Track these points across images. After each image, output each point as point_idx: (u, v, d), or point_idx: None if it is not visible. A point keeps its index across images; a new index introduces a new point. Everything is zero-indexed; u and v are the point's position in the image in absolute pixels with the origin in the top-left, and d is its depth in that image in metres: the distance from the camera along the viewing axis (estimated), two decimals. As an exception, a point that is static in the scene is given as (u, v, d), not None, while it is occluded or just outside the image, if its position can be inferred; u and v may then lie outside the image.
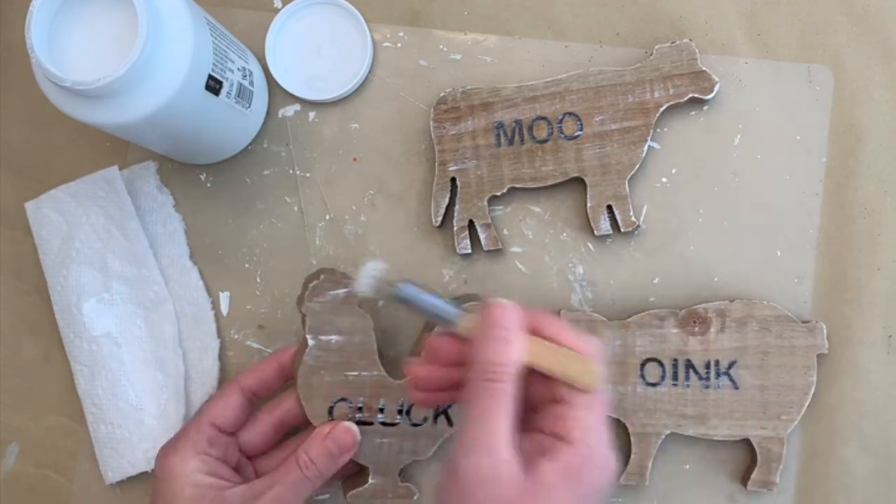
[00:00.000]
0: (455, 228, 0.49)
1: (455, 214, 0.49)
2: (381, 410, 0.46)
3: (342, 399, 0.45)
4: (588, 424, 0.34)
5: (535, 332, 0.36)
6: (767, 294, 0.48)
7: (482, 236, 0.49)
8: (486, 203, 0.48)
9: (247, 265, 0.51)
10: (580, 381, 0.35)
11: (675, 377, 0.46)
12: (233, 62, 0.45)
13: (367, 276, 0.37)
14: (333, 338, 0.45)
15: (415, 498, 0.47)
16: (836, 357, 0.48)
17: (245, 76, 0.47)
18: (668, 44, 0.48)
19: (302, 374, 0.45)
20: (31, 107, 0.52)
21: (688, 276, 0.49)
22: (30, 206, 0.50)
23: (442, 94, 0.48)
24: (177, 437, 0.44)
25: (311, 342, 0.45)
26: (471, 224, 0.49)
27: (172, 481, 0.42)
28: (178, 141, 0.46)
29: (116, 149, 0.51)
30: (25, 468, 0.51)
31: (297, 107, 0.51)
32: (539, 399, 0.36)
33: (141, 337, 0.49)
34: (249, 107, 0.48)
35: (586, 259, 0.49)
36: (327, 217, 0.51)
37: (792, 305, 0.48)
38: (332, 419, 0.45)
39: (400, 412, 0.46)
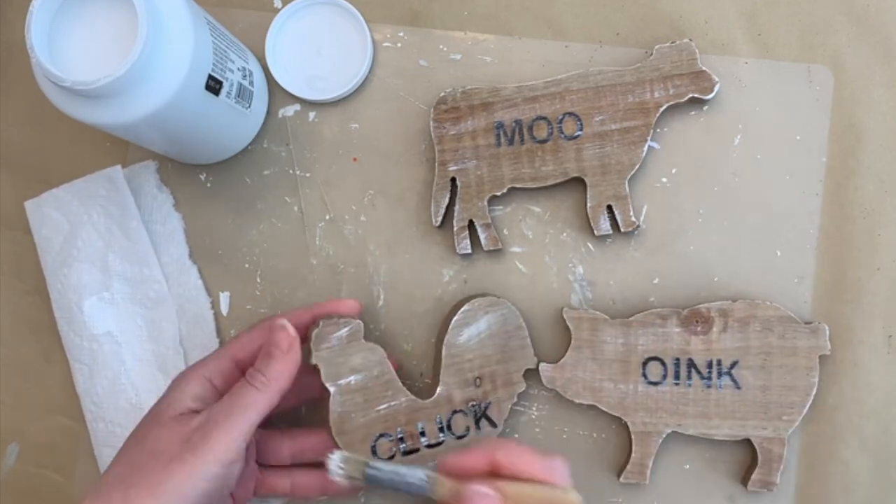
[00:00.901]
0: (455, 228, 0.49)
1: (455, 214, 0.49)
2: (423, 433, 0.45)
3: (381, 435, 0.45)
4: None
5: (500, 469, 0.36)
6: (767, 294, 0.48)
7: (482, 236, 0.49)
8: (486, 203, 0.48)
9: (247, 265, 0.51)
10: None
11: (676, 376, 0.46)
12: (233, 62, 0.45)
13: (335, 467, 0.38)
14: (352, 378, 0.44)
15: None
16: (837, 357, 0.48)
17: (245, 76, 0.47)
18: (668, 44, 0.48)
19: (335, 424, 0.44)
20: (31, 107, 0.52)
21: (688, 276, 0.49)
22: (29, 204, 0.50)
23: (442, 94, 0.48)
24: (199, 361, 0.44)
25: (332, 390, 0.44)
26: (471, 224, 0.49)
27: (168, 392, 0.42)
28: (178, 141, 0.46)
29: (116, 149, 0.51)
30: (25, 468, 0.51)
31: (297, 107, 0.51)
32: None
33: (141, 336, 0.49)
34: (249, 107, 0.48)
35: (586, 259, 0.49)
36: (327, 217, 0.51)
37: (792, 305, 0.48)
38: (377, 458, 0.44)
39: (441, 429, 0.45)
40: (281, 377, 0.41)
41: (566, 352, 0.47)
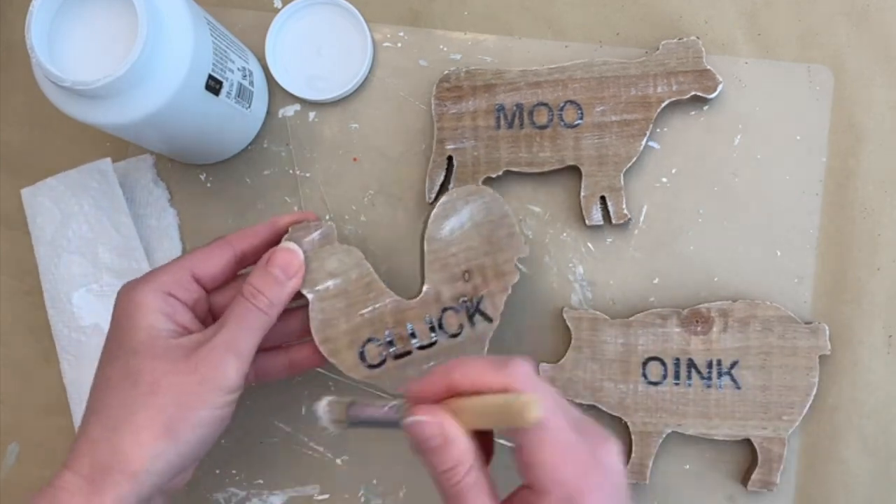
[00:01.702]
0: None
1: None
2: (413, 335, 0.43)
3: (368, 340, 0.43)
4: (552, 463, 0.32)
5: (459, 389, 0.34)
6: (767, 294, 0.48)
7: None
8: (480, 184, 0.48)
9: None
10: (521, 422, 0.31)
11: (676, 376, 0.46)
12: (233, 62, 0.45)
13: (322, 413, 0.37)
14: (330, 283, 0.42)
15: None
16: (837, 357, 0.48)
17: (245, 76, 0.47)
18: (675, 40, 0.48)
19: (317, 332, 0.42)
20: (31, 107, 0.52)
21: (688, 276, 0.49)
22: (26, 192, 0.50)
23: (445, 72, 0.48)
24: (146, 274, 0.40)
25: (310, 297, 0.42)
26: None
27: (126, 317, 0.38)
28: (178, 141, 0.46)
29: (116, 148, 0.51)
30: (25, 468, 0.51)
31: (297, 107, 0.51)
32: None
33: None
34: (249, 107, 0.48)
35: (586, 259, 0.49)
36: (327, 217, 0.51)
37: (792, 305, 0.48)
38: (367, 364, 0.42)
39: (432, 329, 0.43)
40: (284, 302, 0.40)
41: (566, 352, 0.47)
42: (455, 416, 0.34)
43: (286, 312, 0.41)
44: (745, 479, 0.47)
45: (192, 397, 0.36)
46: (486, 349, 0.44)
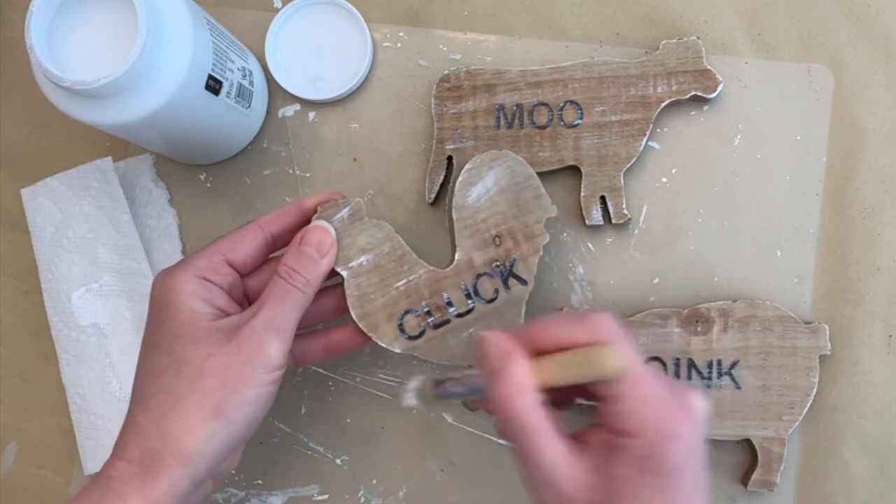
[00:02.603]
0: (447, 206, 0.49)
1: (449, 192, 0.49)
2: (450, 304, 0.43)
3: (406, 312, 0.43)
4: (641, 410, 0.33)
5: (535, 349, 0.35)
6: (767, 294, 0.48)
7: None
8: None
9: (247, 265, 0.51)
10: (605, 374, 0.33)
11: (676, 376, 0.46)
12: (233, 62, 0.45)
13: (409, 391, 0.38)
14: (363, 259, 0.42)
15: None
16: (837, 357, 0.48)
17: (245, 76, 0.47)
18: (675, 40, 0.48)
19: (353, 308, 0.42)
20: (31, 107, 0.52)
21: (688, 276, 0.49)
22: (26, 192, 0.50)
23: (446, 72, 0.48)
24: (180, 261, 0.41)
25: (344, 274, 0.42)
26: None
27: (165, 304, 0.38)
28: (178, 141, 0.46)
29: (116, 148, 0.51)
30: (24, 468, 0.51)
31: (297, 107, 0.51)
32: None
33: (128, 329, 0.49)
34: (249, 107, 0.48)
35: (586, 259, 0.49)
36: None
37: (792, 305, 0.48)
38: (407, 336, 0.43)
39: (468, 296, 0.44)
40: (320, 279, 0.41)
41: (566, 352, 0.47)
42: (537, 374, 0.34)
43: (320, 292, 0.42)
44: (745, 479, 0.47)
45: (238, 378, 0.37)
46: (523, 312, 0.44)
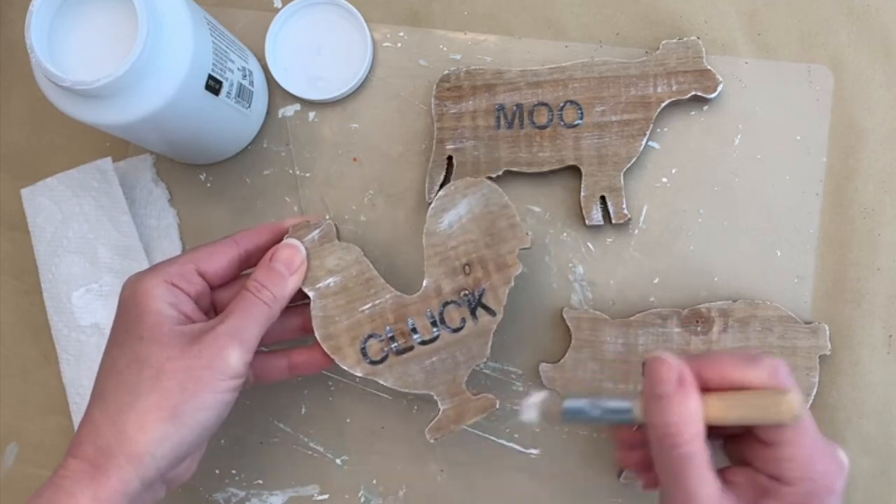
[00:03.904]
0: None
1: None
2: (415, 331, 0.43)
3: (370, 336, 0.43)
4: (804, 459, 0.33)
5: (703, 383, 0.34)
6: (767, 294, 0.48)
7: None
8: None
9: (247, 265, 0.51)
10: (780, 419, 0.32)
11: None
12: (233, 62, 0.45)
13: (529, 414, 0.38)
14: (330, 281, 0.42)
15: (497, 405, 0.43)
16: (837, 357, 0.48)
17: (245, 76, 0.47)
18: (675, 39, 0.48)
19: (318, 329, 0.42)
20: (31, 107, 0.52)
21: (688, 276, 0.49)
22: (26, 192, 0.50)
23: (446, 72, 0.49)
24: (152, 266, 0.41)
25: (311, 294, 0.42)
26: None
27: (133, 305, 0.39)
28: (178, 141, 0.46)
29: (116, 148, 0.51)
30: (24, 468, 0.51)
31: (297, 107, 0.51)
32: (740, 427, 0.35)
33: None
34: (249, 107, 0.48)
35: (586, 259, 0.49)
36: (327, 217, 0.51)
37: (792, 305, 0.48)
38: (369, 360, 0.43)
39: (434, 324, 0.43)
40: (287, 296, 0.41)
41: (566, 352, 0.47)
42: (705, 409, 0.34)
43: (287, 310, 0.42)
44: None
45: (197, 381, 0.37)
46: (489, 344, 0.43)
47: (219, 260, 0.42)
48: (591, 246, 0.50)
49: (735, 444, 0.36)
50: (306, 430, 0.50)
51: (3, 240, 0.52)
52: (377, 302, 0.43)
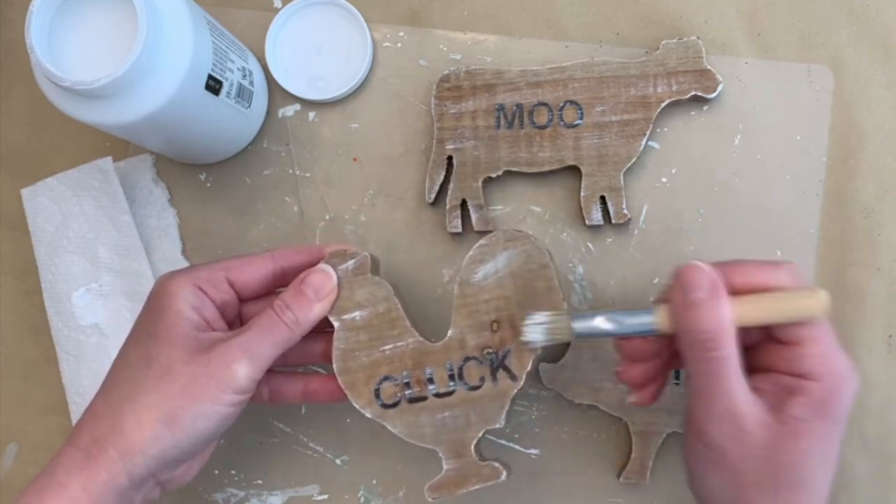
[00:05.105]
0: (447, 207, 0.49)
1: (448, 193, 0.49)
2: (431, 381, 0.41)
3: (385, 378, 0.41)
4: (828, 355, 0.34)
5: (731, 288, 0.35)
6: (768, 294, 0.48)
7: (473, 217, 0.48)
8: (480, 184, 0.48)
9: (247, 265, 0.51)
10: (805, 316, 0.34)
11: (677, 376, 0.46)
12: (233, 62, 0.45)
13: (534, 327, 0.38)
14: (357, 314, 0.41)
15: (503, 477, 0.41)
16: (837, 357, 0.48)
17: (245, 76, 0.47)
18: (675, 39, 0.48)
19: (337, 361, 0.41)
20: (31, 107, 0.52)
21: (688, 276, 0.49)
22: (26, 192, 0.50)
23: (446, 72, 0.48)
24: (185, 267, 0.42)
25: (335, 324, 0.41)
26: (464, 204, 0.49)
27: (157, 303, 0.39)
28: (178, 141, 0.46)
29: (116, 148, 0.51)
30: (24, 468, 0.51)
31: (297, 107, 0.51)
32: (755, 338, 0.36)
33: (128, 329, 0.49)
34: (249, 107, 0.48)
35: (586, 259, 0.49)
36: (327, 217, 0.51)
37: (792, 305, 0.48)
38: (381, 402, 0.41)
39: (452, 377, 0.41)
40: (311, 322, 0.40)
41: (566, 352, 0.47)
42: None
43: (311, 335, 0.41)
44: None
45: (199, 389, 0.37)
46: (505, 410, 0.41)
47: (251, 272, 0.42)
48: (591, 246, 0.50)
49: (754, 353, 0.37)
50: (306, 430, 0.50)
51: (3, 240, 0.52)
52: (399, 344, 0.42)
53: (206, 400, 0.37)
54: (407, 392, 0.42)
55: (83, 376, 0.49)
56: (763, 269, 0.36)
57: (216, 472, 0.50)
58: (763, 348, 0.36)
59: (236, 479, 0.50)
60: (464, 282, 0.41)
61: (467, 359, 0.41)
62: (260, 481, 0.50)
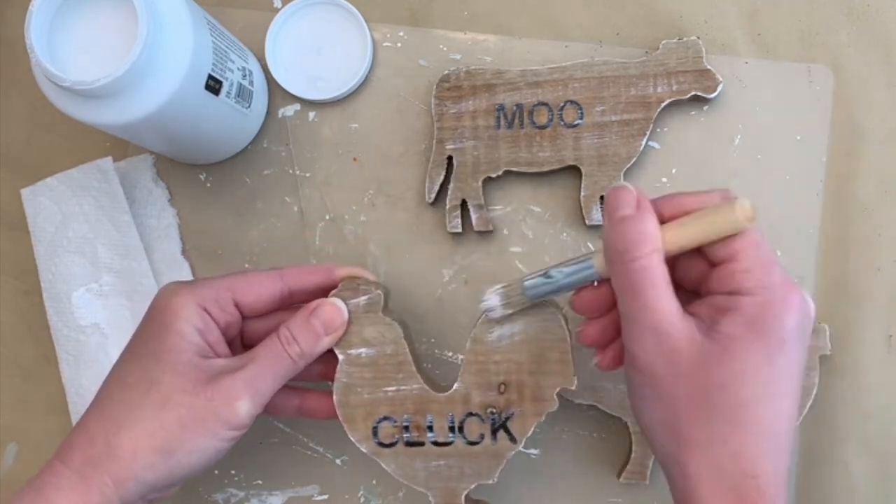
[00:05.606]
0: (447, 206, 0.49)
1: (448, 193, 0.49)
2: (430, 428, 0.41)
3: (385, 418, 0.41)
4: (760, 268, 0.32)
5: (663, 218, 0.34)
6: (768, 294, 0.48)
7: (473, 217, 0.48)
8: (480, 184, 0.48)
9: (246, 265, 0.51)
10: (731, 227, 0.32)
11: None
12: (233, 62, 0.45)
13: (491, 299, 0.38)
14: (363, 351, 0.41)
15: None
16: (837, 357, 0.48)
17: (245, 76, 0.47)
18: (675, 39, 0.48)
19: (337, 393, 0.41)
20: (31, 107, 0.52)
21: (688, 276, 0.49)
22: (26, 192, 0.50)
23: (446, 72, 0.48)
24: (190, 281, 0.40)
25: (340, 357, 0.41)
26: (463, 205, 0.49)
27: (160, 320, 0.38)
28: (178, 141, 0.46)
29: (116, 148, 0.51)
30: (24, 468, 0.51)
31: (297, 107, 0.51)
32: (700, 270, 0.35)
33: (128, 329, 0.49)
34: (249, 107, 0.48)
35: (586, 259, 0.49)
36: (327, 217, 0.51)
37: (792, 305, 0.48)
38: (378, 441, 0.41)
39: (452, 429, 0.41)
40: (315, 355, 0.40)
41: (566, 352, 0.47)
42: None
43: None
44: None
45: (198, 423, 0.37)
46: (500, 468, 0.42)
47: (259, 293, 0.41)
48: (591, 246, 0.50)
49: (702, 287, 0.35)
50: (306, 430, 0.50)
51: (3, 240, 0.52)
52: (402, 388, 0.42)
53: (204, 434, 0.37)
54: (405, 435, 0.42)
55: (83, 376, 0.49)
56: (693, 196, 0.34)
57: (216, 472, 0.50)
58: (706, 278, 0.34)
59: (236, 479, 0.50)
60: (477, 339, 0.41)
61: (470, 414, 0.41)
62: (260, 481, 0.50)
